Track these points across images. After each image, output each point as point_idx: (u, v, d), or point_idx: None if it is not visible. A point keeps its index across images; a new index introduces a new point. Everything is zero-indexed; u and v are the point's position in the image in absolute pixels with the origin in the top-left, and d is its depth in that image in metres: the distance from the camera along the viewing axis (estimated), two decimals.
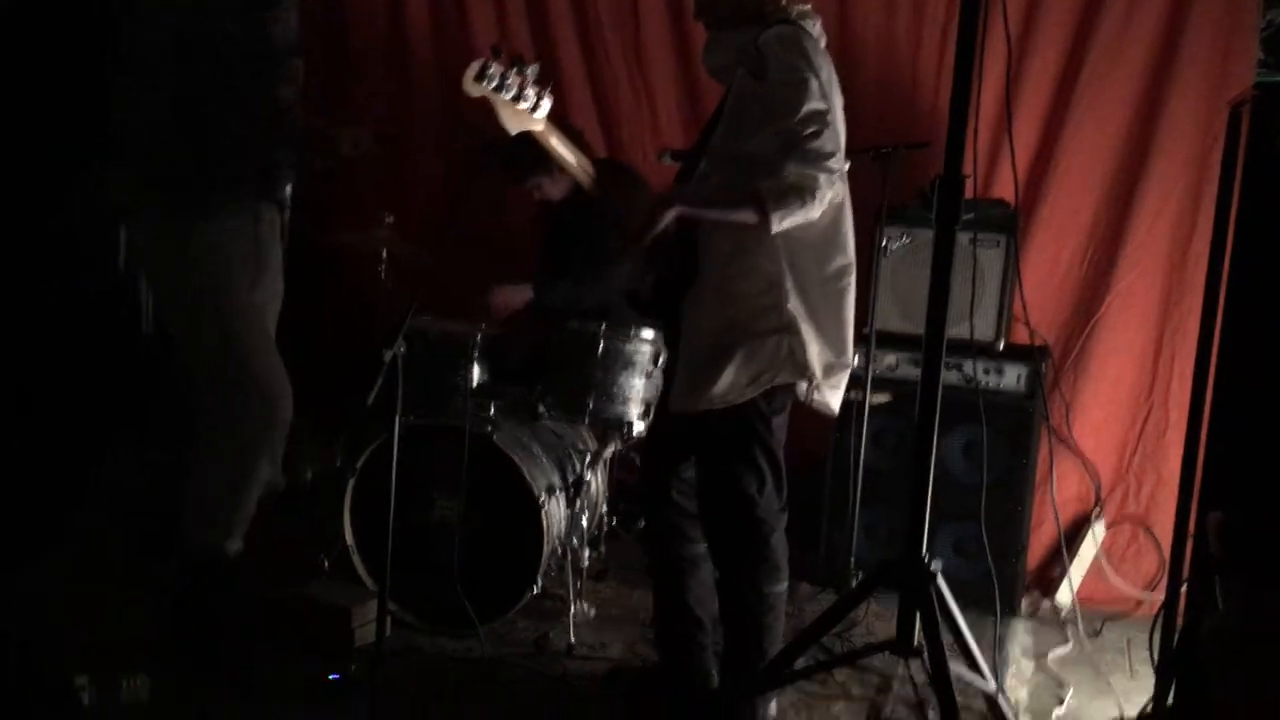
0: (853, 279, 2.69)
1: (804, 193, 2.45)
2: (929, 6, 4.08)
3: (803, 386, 2.65)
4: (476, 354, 3.56)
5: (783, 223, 2.46)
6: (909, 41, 4.13)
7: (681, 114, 4.39)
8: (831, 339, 2.65)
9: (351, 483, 3.46)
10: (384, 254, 3.80)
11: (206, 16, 2.92)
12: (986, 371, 3.70)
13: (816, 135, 2.47)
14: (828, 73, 2.57)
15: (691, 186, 2.65)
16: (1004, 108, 3.49)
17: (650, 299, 2.78)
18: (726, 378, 2.60)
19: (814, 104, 2.48)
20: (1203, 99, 3.80)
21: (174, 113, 2.93)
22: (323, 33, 4.63)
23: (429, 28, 4.64)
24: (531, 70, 2.40)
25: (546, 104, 2.46)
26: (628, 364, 3.47)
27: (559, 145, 2.61)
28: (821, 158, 2.46)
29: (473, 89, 2.33)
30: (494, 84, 2.34)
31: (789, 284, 2.58)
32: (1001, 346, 3.73)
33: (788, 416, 2.76)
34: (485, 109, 2.42)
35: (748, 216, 2.47)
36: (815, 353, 2.61)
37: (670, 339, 2.85)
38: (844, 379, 2.70)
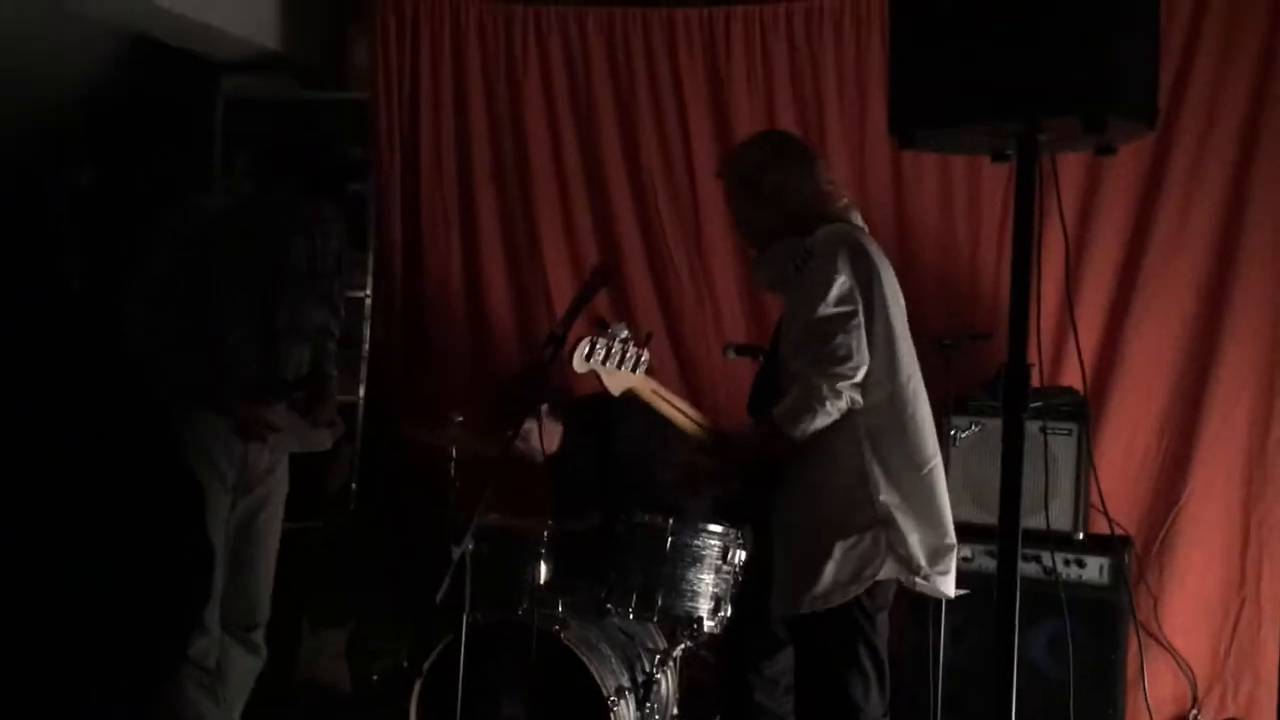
0: (940, 462, 2.66)
1: (811, 403, 2.50)
2: (984, 198, 4.17)
3: (909, 578, 2.58)
4: (544, 551, 3.54)
5: (806, 434, 2.51)
6: (968, 238, 4.20)
7: (744, 306, 4.46)
8: (933, 524, 2.60)
9: (418, 684, 3.40)
10: (453, 452, 3.85)
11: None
12: (1067, 563, 3.59)
13: (828, 338, 2.51)
14: (876, 270, 2.60)
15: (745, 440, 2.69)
16: (1066, 297, 3.51)
17: (734, 500, 2.78)
18: (828, 576, 2.54)
19: (832, 307, 2.52)
20: (1269, 285, 3.80)
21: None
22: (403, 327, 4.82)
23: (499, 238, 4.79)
24: (627, 332, 2.56)
25: (645, 360, 2.59)
26: (696, 559, 3.43)
27: (661, 396, 2.67)
28: (832, 361, 2.49)
29: (581, 367, 2.50)
30: (601, 358, 2.49)
31: (877, 474, 2.55)
32: (1081, 537, 3.63)
33: (888, 614, 2.68)
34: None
35: (787, 437, 2.52)
36: (916, 541, 2.56)
37: (758, 535, 2.82)
38: (953, 560, 2.63)
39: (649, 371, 2.61)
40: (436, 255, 4.81)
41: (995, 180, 4.11)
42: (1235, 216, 3.87)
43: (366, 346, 4.85)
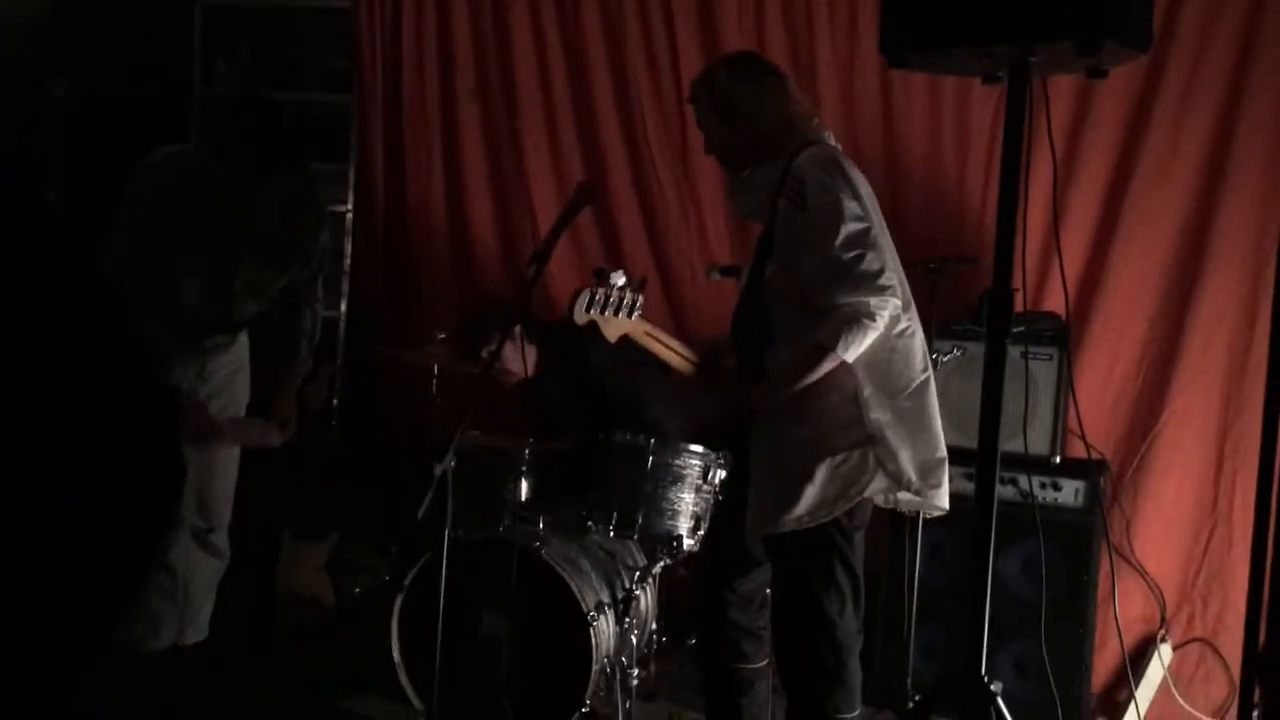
0: (931, 376, 2.67)
1: (860, 319, 2.47)
2: (973, 121, 4.13)
3: (898, 495, 2.62)
4: (525, 469, 3.56)
5: (855, 353, 2.49)
6: (955, 156, 4.17)
7: (729, 226, 4.43)
8: (923, 438, 2.61)
9: (400, 599, 3.44)
10: (435, 370, 3.85)
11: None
12: (1043, 486, 3.63)
13: (860, 258, 2.49)
14: (866, 188, 2.60)
15: (766, 375, 2.66)
16: (1052, 222, 3.50)
17: (718, 428, 2.80)
18: (810, 496, 2.55)
19: (853, 225, 2.50)
20: (1254, 212, 3.79)
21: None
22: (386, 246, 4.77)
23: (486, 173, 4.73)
24: (624, 279, 2.57)
25: (640, 304, 2.60)
26: (677, 479, 3.45)
27: (655, 338, 2.69)
28: (869, 278, 2.48)
29: (582, 317, 2.54)
30: (600, 308, 2.53)
31: (868, 393, 2.55)
32: (1058, 460, 3.67)
33: (864, 533, 2.71)
34: None
35: (826, 364, 2.50)
36: (907, 457, 2.57)
37: (737, 456, 2.83)
38: (944, 474, 2.64)
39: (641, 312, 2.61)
40: (419, 170, 4.76)
41: (984, 103, 4.07)
42: (1223, 145, 3.84)
43: (348, 261, 4.83)
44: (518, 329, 3.76)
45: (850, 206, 2.52)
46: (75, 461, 2.74)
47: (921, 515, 3.59)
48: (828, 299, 2.50)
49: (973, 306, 3.79)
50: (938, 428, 2.65)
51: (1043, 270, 3.90)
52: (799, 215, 2.55)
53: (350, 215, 4.82)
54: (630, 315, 2.58)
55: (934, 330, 3.69)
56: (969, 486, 3.54)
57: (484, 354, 3.70)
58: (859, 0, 4.21)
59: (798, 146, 2.64)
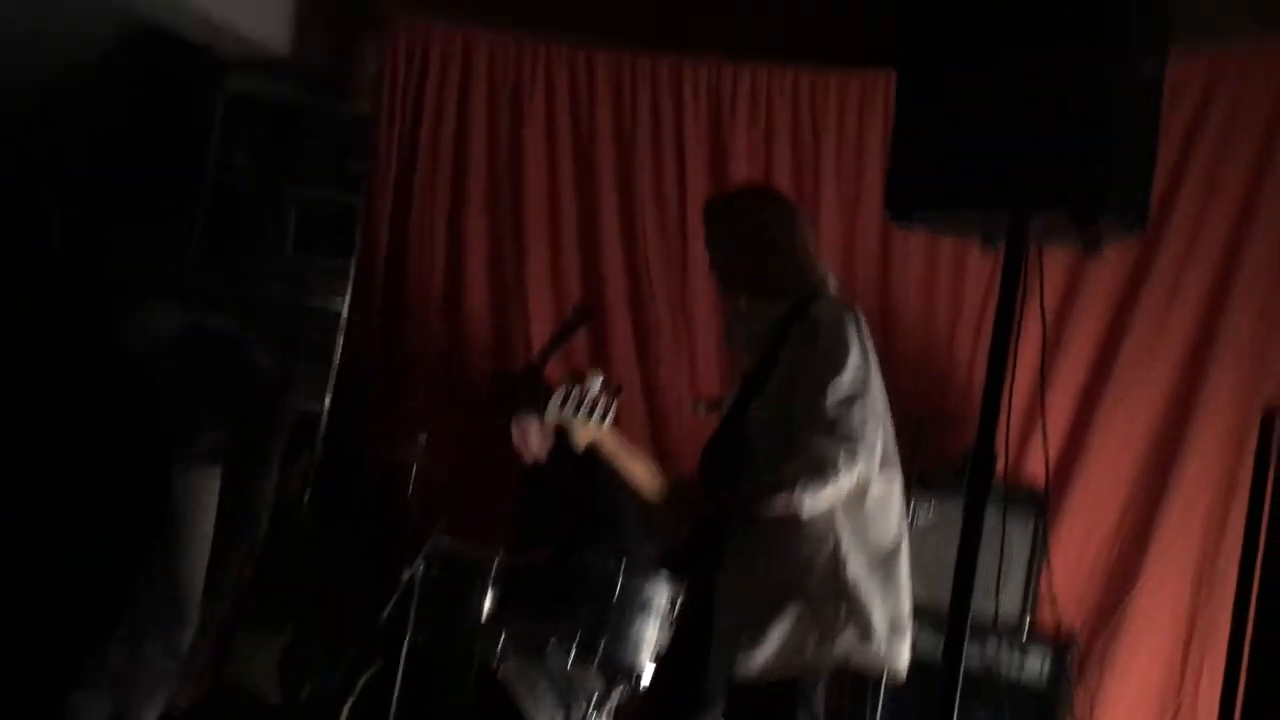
0: (906, 540, 2.64)
1: (826, 469, 2.45)
2: (969, 280, 4.19)
3: (861, 656, 2.55)
4: (493, 580, 3.50)
5: (813, 503, 2.47)
6: (949, 312, 4.23)
7: (720, 359, 4.44)
8: (893, 602, 2.57)
9: (349, 704, 3.35)
10: (413, 471, 3.82)
11: None
12: (1010, 654, 3.59)
13: (848, 415, 2.48)
14: (872, 351, 2.61)
15: (726, 495, 2.64)
16: (1039, 389, 3.53)
17: (685, 556, 2.76)
18: (776, 642, 2.51)
19: (850, 381, 2.51)
20: (1238, 392, 3.83)
21: None
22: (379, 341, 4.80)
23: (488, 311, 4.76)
24: (599, 384, 2.57)
25: (612, 413, 2.59)
26: (644, 606, 3.40)
27: (624, 452, 2.67)
28: (846, 435, 2.47)
29: (553, 417, 2.53)
30: (574, 409, 2.52)
31: (846, 544, 2.53)
32: (1027, 630, 3.64)
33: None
34: None
35: (782, 504, 2.48)
36: (878, 617, 2.53)
37: (701, 588, 2.80)
38: (907, 641, 2.60)
39: (615, 423, 2.60)
40: (420, 276, 4.78)
41: (980, 265, 4.15)
42: (1211, 327, 3.91)
43: (337, 358, 4.83)
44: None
45: (854, 361, 2.53)
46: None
47: (884, 679, 3.54)
48: (803, 441, 2.50)
49: (956, 464, 3.80)
50: (908, 593, 2.63)
51: (1026, 431, 3.88)
52: (808, 352, 2.55)
53: (345, 312, 4.84)
54: (602, 423, 2.56)
55: (914, 483, 3.69)
56: (934, 648, 3.52)
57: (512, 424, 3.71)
58: (867, 150, 4.33)
59: (810, 291, 2.66)
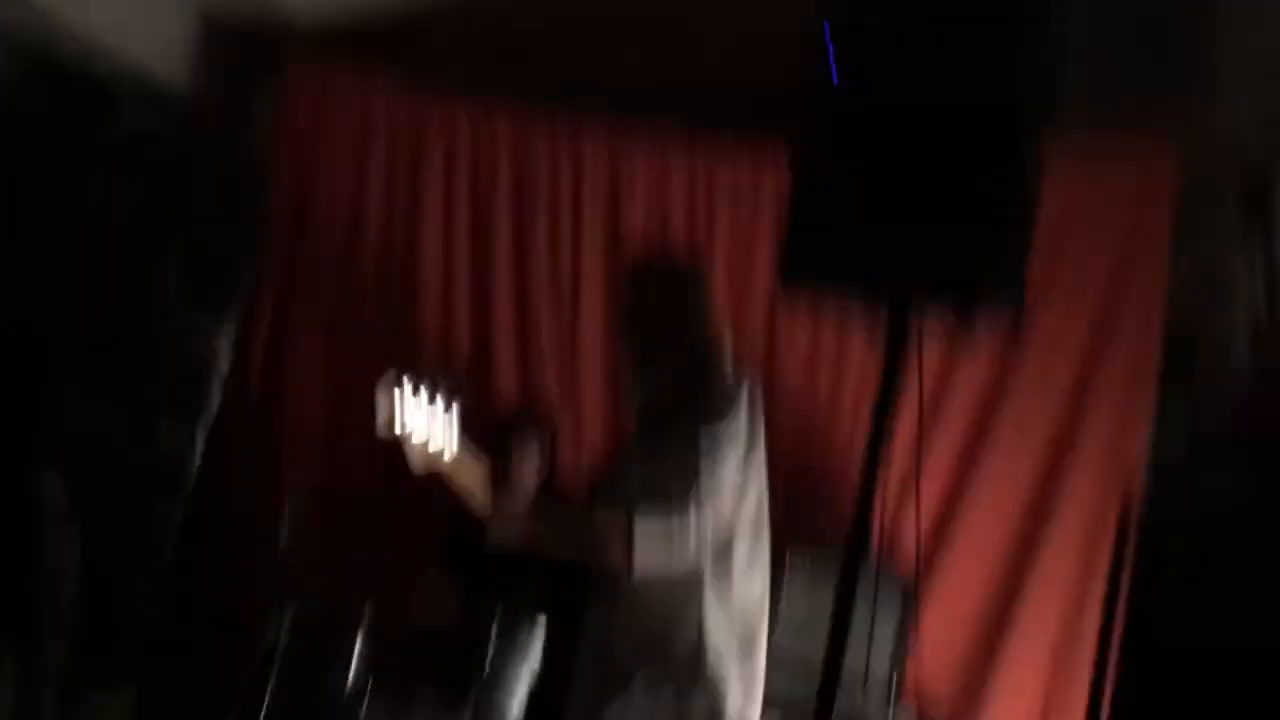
0: (766, 616, 2.63)
1: (671, 532, 2.40)
2: (853, 351, 4.21)
3: None
4: (355, 656, 3.37)
5: (645, 563, 2.39)
6: (830, 380, 4.24)
7: (606, 430, 4.40)
8: (750, 687, 2.56)
9: None
10: (281, 534, 3.68)
11: None
12: None
13: (711, 466, 2.45)
14: (757, 421, 2.60)
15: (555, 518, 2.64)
16: (912, 464, 3.54)
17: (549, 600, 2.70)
18: (627, 709, 2.47)
19: (723, 443, 2.48)
20: (1096, 491, 3.90)
21: None
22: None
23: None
24: (449, 413, 2.46)
25: (454, 445, 2.49)
26: (510, 694, 3.34)
27: (467, 477, 2.61)
28: (700, 491, 2.43)
29: (385, 413, 2.42)
30: (409, 433, 2.42)
31: (711, 625, 2.49)
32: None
33: None
34: None
35: (613, 554, 2.41)
36: (737, 693, 2.50)
37: (557, 640, 2.74)
38: None
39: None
40: (306, 331, 4.60)
41: (863, 344, 4.18)
42: (1075, 419, 3.99)
43: (213, 412, 4.64)
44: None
45: (737, 429, 2.51)
46: None
47: None
48: (669, 481, 2.45)
49: (828, 542, 3.80)
50: (761, 680, 2.60)
51: (895, 518, 3.87)
52: (692, 415, 2.53)
53: (226, 365, 4.66)
54: (444, 454, 2.48)
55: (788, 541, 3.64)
56: None
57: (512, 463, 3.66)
58: (760, 214, 4.34)
59: (720, 363, 2.65)
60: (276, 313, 4.61)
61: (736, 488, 2.51)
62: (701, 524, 2.43)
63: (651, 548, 2.39)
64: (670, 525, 2.41)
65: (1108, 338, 4.01)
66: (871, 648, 3.44)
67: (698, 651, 2.48)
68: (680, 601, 2.50)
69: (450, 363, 4.48)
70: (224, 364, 4.61)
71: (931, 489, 4.04)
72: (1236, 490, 2.69)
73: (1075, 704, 3.76)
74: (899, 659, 3.65)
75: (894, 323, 2.22)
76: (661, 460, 2.52)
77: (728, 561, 2.53)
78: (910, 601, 3.69)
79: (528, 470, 3.88)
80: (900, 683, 3.66)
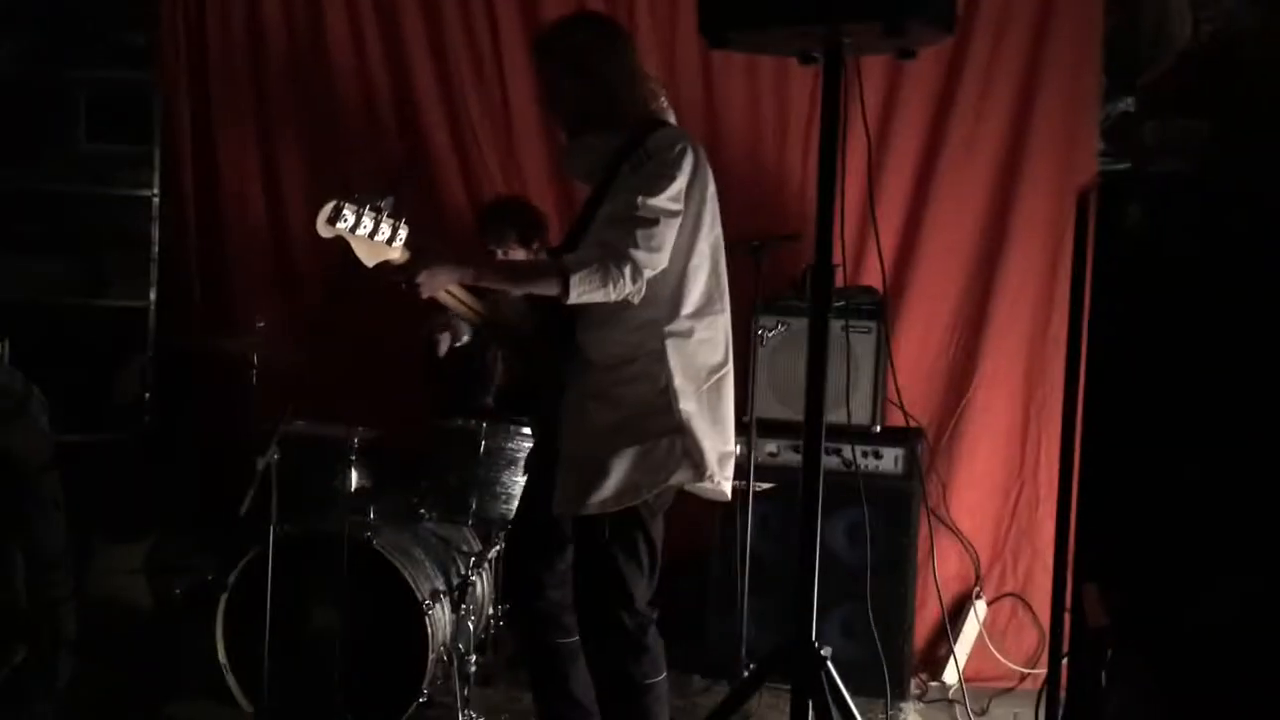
0: (731, 369, 2.72)
1: (609, 268, 2.46)
2: (792, 100, 4.22)
3: (696, 483, 2.64)
4: (354, 458, 3.47)
5: (580, 297, 2.47)
6: (775, 135, 4.25)
7: (556, 202, 4.36)
8: (720, 430, 2.67)
9: (224, 598, 3.31)
10: (255, 359, 3.70)
11: None
12: (865, 455, 3.76)
13: (651, 225, 2.49)
14: (708, 181, 2.62)
15: (577, 347, 2.64)
16: (868, 197, 3.61)
17: (516, 396, 2.76)
18: (616, 480, 2.58)
19: (665, 202, 2.51)
20: (1052, 187, 4.01)
21: None
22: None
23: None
24: (386, 203, 2.42)
25: (403, 233, 2.45)
26: (510, 461, 3.43)
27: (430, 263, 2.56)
28: (647, 247, 2.48)
29: (325, 231, 2.36)
30: (349, 224, 2.36)
31: (678, 383, 2.58)
32: (878, 430, 3.80)
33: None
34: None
35: (548, 287, 2.48)
36: (709, 448, 2.61)
37: (541, 435, 2.82)
38: (732, 465, 2.73)
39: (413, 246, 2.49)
40: (230, 151, 4.55)
41: (801, 83, 4.16)
42: (1023, 119, 4.04)
43: (156, 249, 4.60)
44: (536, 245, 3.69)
45: (678, 185, 2.53)
46: None
47: (751, 491, 3.67)
48: (604, 233, 2.51)
49: (796, 282, 3.88)
50: (731, 421, 2.71)
51: (860, 245, 4.00)
52: (632, 177, 2.55)
53: (156, 199, 4.58)
54: (391, 241, 2.43)
55: (758, 306, 3.77)
56: (796, 459, 3.65)
57: (498, 253, 3.63)
58: None
59: (649, 121, 2.64)
60: (196, 136, 4.52)
61: (682, 244, 2.55)
62: (637, 266, 2.48)
63: (585, 278, 2.45)
64: (603, 258, 2.46)
65: (1049, 31, 4.00)
66: (852, 361, 3.54)
67: (673, 423, 2.57)
68: (650, 381, 2.59)
69: (383, 163, 4.40)
70: (154, 196, 4.53)
71: (892, 212, 4.10)
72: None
73: (1053, 392, 3.93)
74: (880, 377, 3.79)
75: (829, 57, 2.22)
76: (602, 221, 2.55)
77: (679, 310, 2.60)
78: (883, 321, 3.79)
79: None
80: (884, 394, 3.81)
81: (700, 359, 2.63)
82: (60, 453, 3.27)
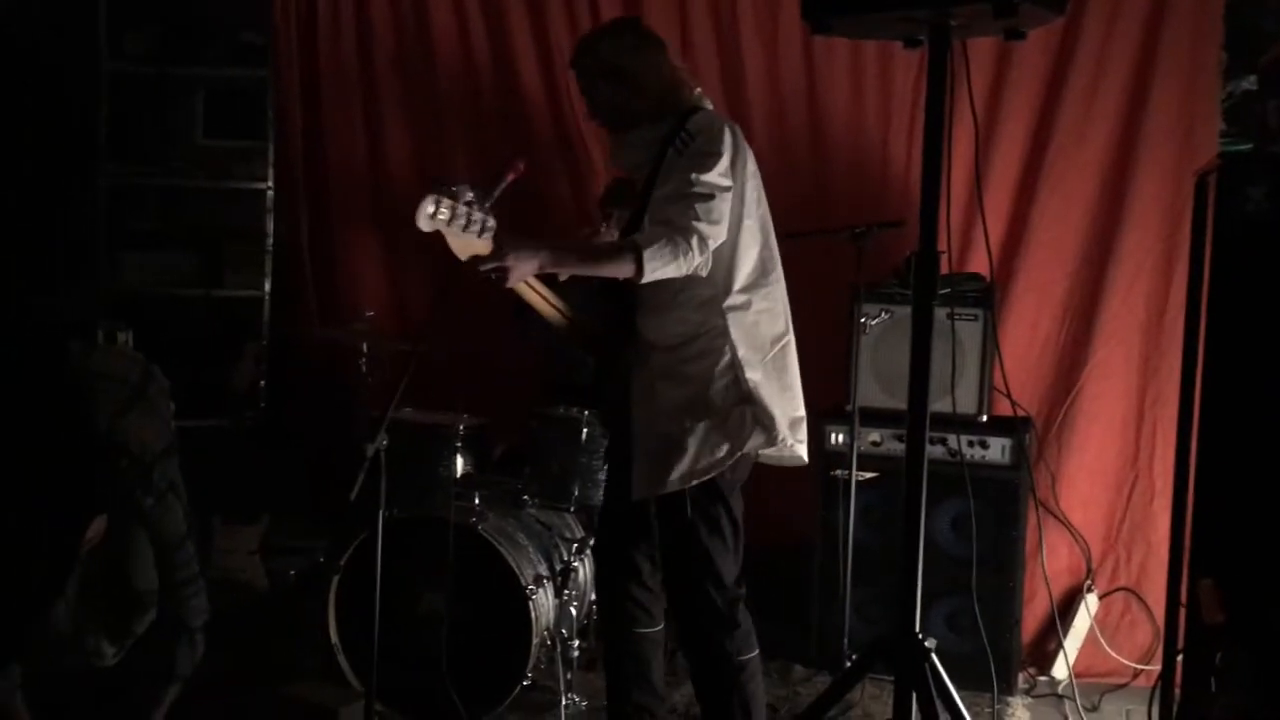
0: (793, 337, 2.79)
1: (676, 244, 2.54)
2: (896, 86, 4.17)
3: (770, 450, 2.72)
4: (460, 445, 3.53)
5: (654, 273, 2.53)
6: (878, 121, 4.20)
7: None
8: (789, 397, 2.75)
9: (336, 580, 3.40)
10: (364, 349, 3.79)
11: None
12: (971, 444, 3.69)
13: (708, 200, 2.57)
14: (750, 158, 2.71)
15: (637, 336, 2.73)
16: (974, 183, 3.54)
17: (587, 385, 2.81)
18: (693, 453, 2.64)
19: (716, 177, 2.59)
20: (1169, 170, 3.87)
21: None
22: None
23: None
24: (478, 195, 2.50)
25: (491, 224, 2.52)
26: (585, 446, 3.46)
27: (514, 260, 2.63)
28: (708, 220, 2.56)
29: (425, 225, 2.44)
30: (445, 218, 2.44)
31: (742, 354, 2.66)
32: (984, 419, 3.73)
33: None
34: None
35: (622, 269, 2.55)
36: (779, 414, 2.69)
37: (614, 425, 2.87)
38: (804, 429, 2.79)
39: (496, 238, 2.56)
40: (340, 145, 4.68)
41: (906, 67, 4.10)
42: (1137, 104, 3.91)
43: (270, 240, 4.74)
44: None
45: (725, 160, 2.62)
46: None
47: (853, 480, 3.64)
48: (665, 211, 2.58)
49: (899, 269, 3.83)
50: (799, 386, 2.79)
51: (966, 231, 3.95)
52: (680, 158, 2.64)
53: (270, 192, 4.73)
54: (481, 235, 2.52)
55: (861, 294, 3.73)
56: (899, 448, 3.61)
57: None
58: None
59: (687, 108, 2.73)
60: (307, 132, 4.66)
61: (731, 220, 2.64)
62: (702, 238, 2.56)
63: (656, 253, 2.52)
64: (670, 235, 2.55)
65: (1166, 9, 3.86)
66: (957, 357, 3.50)
67: (741, 393, 2.66)
68: (715, 356, 2.66)
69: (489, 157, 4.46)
70: (268, 189, 4.65)
71: (1000, 198, 4.02)
72: None
73: (1168, 383, 3.80)
74: (987, 365, 3.72)
75: (935, 40, 2.18)
76: (659, 202, 2.63)
77: (733, 285, 2.68)
78: (990, 308, 3.72)
79: None
80: (990, 386, 3.74)
81: (762, 329, 2.72)
82: (179, 438, 3.39)
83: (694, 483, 2.65)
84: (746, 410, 2.66)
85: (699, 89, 2.83)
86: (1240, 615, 2.14)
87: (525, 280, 2.62)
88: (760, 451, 2.74)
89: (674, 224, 2.56)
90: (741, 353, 2.66)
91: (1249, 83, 3.88)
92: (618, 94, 2.76)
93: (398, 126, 4.63)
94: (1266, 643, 2.09)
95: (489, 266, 2.50)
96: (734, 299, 2.67)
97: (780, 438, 2.69)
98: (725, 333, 2.66)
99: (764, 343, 2.71)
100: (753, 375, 2.66)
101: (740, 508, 2.74)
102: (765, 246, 2.75)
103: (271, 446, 4.60)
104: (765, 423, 2.67)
